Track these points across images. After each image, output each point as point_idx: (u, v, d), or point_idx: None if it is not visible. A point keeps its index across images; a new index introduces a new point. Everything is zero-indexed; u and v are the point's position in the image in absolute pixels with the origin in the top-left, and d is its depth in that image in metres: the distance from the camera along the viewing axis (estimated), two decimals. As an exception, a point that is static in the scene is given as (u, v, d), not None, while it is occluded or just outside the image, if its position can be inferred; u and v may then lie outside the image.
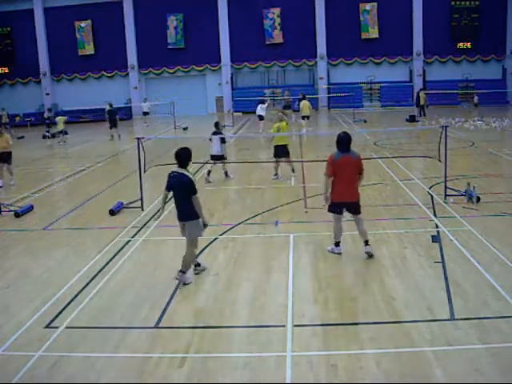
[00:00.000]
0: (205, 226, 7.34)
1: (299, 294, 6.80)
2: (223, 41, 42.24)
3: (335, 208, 8.01)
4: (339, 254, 8.15)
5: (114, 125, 26.63)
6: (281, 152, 13.99)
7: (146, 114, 35.61)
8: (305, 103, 24.71)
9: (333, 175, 7.82)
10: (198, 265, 7.75)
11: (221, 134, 14.22)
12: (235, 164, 16.91)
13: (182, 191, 7.14)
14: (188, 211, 7.14)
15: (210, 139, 14.02)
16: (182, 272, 7.22)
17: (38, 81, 44.22)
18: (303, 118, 24.47)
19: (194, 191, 7.07)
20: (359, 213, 8.01)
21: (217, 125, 14.10)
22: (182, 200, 7.19)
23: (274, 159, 14.33)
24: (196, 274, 7.66)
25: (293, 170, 14.33)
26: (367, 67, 41.64)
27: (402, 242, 8.67)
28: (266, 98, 32.13)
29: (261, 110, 26.20)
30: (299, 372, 5.03)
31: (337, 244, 8.21)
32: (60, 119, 26.59)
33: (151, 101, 38.37)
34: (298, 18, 40.99)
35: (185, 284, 7.26)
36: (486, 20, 39.51)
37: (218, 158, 14.04)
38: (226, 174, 14.54)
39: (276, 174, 14.31)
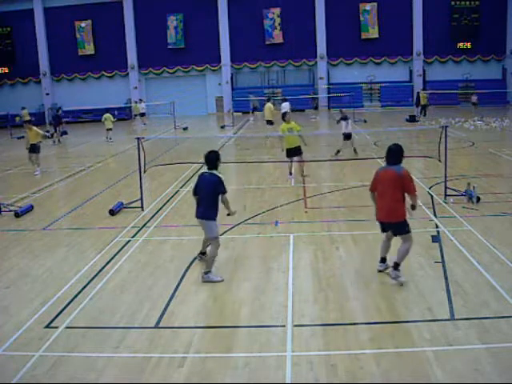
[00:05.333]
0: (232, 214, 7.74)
1: (299, 294, 6.79)
2: (223, 41, 42.22)
3: (380, 225, 7.32)
4: (383, 270, 7.38)
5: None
6: (293, 153, 13.97)
7: (142, 114, 35.40)
8: (267, 105, 23.06)
9: (375, 190, 7.22)
10: (204, 253, 8.03)
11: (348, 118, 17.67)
12: (235, 164, 16.90)
13: (209, 191, 7.33)
14: (207, 211, 7.34)
15: (338, 122, 18.09)
16: (205, 272, 7.36)
17: (38, 81, 44.21)
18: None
19: (224, 190, 7.35)
20: (400, 234, 7.06)
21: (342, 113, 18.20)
22: (206, 199, 7.36)
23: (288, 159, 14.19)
24: (199, 259, 8.07)
25: (302, 174, 14.14)
26: (367, 67, 41.63)
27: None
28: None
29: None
30: (299, 372, 5.03)
31: (381, 260, 7.48)
32: (107, 117, 25.37)
33: (146, 101, 38.14)
34: (298, 18, 40.96)
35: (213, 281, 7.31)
36: (486, 20, 39.50)
37: (349, 136, 17.47)
38: (354, 150, 17.48)
39: (290, 173, 14.19)
